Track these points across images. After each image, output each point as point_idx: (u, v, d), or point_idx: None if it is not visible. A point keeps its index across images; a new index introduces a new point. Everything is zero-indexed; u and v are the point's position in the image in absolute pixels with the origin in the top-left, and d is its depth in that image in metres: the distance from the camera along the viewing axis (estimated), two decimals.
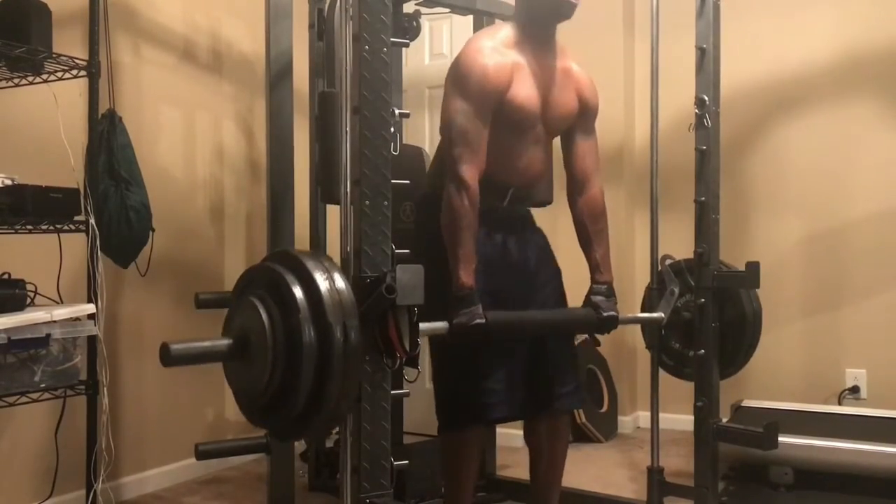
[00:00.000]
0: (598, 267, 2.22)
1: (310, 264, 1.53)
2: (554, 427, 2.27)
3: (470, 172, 1.99)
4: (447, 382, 2.14)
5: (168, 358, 1.51)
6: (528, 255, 2.25)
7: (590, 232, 2.23)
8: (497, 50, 2.06)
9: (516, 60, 2.08)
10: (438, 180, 2.14)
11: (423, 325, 1.80)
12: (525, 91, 2.08)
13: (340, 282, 1.52)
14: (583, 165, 2.24)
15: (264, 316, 1.52)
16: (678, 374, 2.67)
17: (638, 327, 3.83)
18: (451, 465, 2.23)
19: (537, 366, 2.20)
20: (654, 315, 2.50)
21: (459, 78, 2.03)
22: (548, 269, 2.30)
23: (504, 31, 2.12)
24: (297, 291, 1.51)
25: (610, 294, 2.20)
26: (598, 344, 2.27)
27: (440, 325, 1.93)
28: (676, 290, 2.52)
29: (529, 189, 2.25)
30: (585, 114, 2.24)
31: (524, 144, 2.14)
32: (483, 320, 1.94)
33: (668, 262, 2.60)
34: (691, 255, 2.55)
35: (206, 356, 1.58)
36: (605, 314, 2.15)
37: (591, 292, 2.20)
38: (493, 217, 2.14)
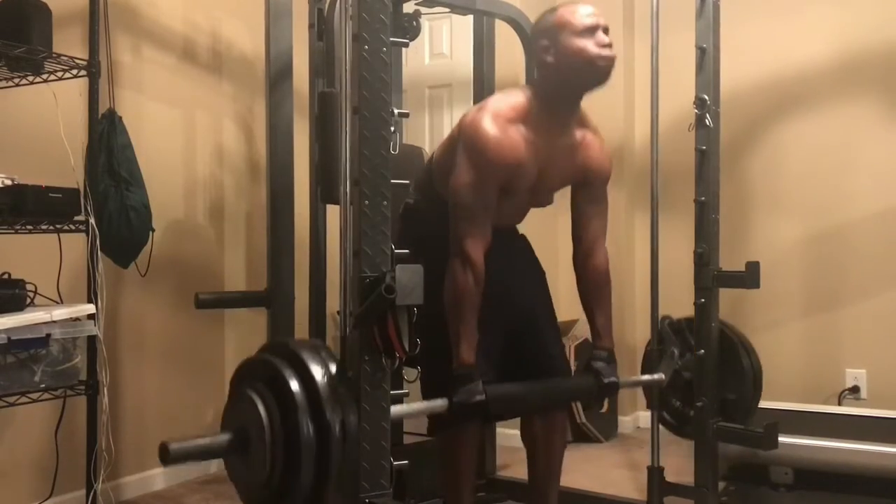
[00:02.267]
0: (599, 333, 2.22)
1: (307, 357, 1.55)
2: (549, 424, 2.27)
3: (475, 249, 1.98)
4: (437, 382, 2.13)
5: (167, 457, 1.52)
6: (515, 262, 2.27)
7: (592, 298, 2.23)
8: (513, 125, 2.01)
9: (528, 137, 2.03)
10: (422, 194, 2.16)
11: (421, 405, 1.86)
12: (526, 169, 2.05)
13: (341, 376, 1.54)
14: (588, 233, 2.22)
15: (262, 412, 1.54)
16: (679, 432, 2.66)
17: (637, 319, 3.87)
18: (449, 466, 2.23)
19: (529, 364, 2.20)
20: (655, 377, 2.52)
21: (473, 151, 1.99)
22: (534, 271, 2.33)
23: (522, 102, 2.06)
24: (295, 386, 1.52)
25: (611, 360, 2.20)
26: (602, 409, 2.28)
27: (440, 402, 1.94)
28: (677, 352, 2.54)
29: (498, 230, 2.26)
30: (590, 182, 2.20)
31: (504, 205, 2.12)
32: (483, 397, 1.94)
33: (667, 322, 2.61)
34: (691, 314, 2.57)
35: (206, 453, 1.60)
36: (606, 381, 2.15)
37: (592, 358, 2.20)
38: None
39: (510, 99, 2.08)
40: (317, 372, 1.52)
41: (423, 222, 2.18)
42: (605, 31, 2.05)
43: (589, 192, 2.21)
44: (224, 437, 1.59)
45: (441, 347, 1.98)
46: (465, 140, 2.02)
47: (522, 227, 2.42)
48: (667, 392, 2.63)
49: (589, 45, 2.01)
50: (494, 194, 2.02)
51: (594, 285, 2.23)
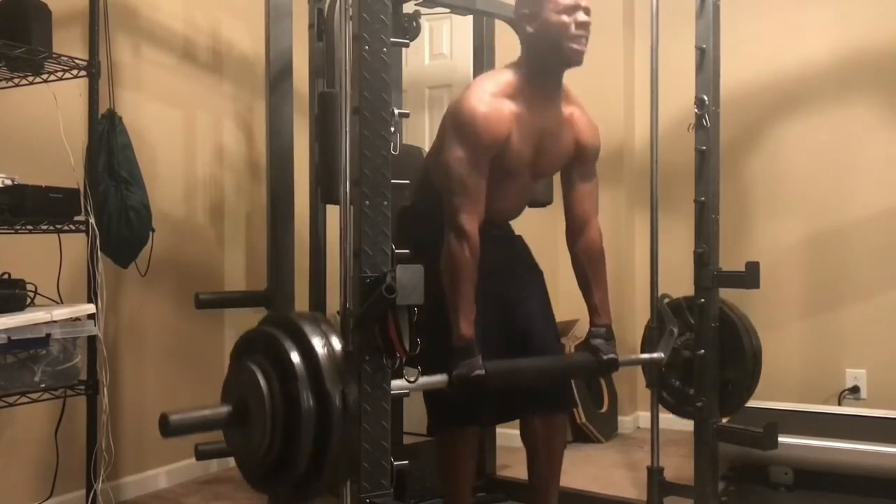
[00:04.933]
0: (596, 310, 2.23)
1: (307, 329, 1.54)
2: (550, 425, 2.27)
3: (470, 223, 1.99)
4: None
5: (167, 428, 1.52)
6: (513, 262, 2.28)
7: (588, 275, 2.24)
8: (498, 99, 2.04)
9: (515, 111, 2.06)
10: (419, 195, 2.16)
11: (421, 380, 1.84)
12: (519, 143, 2.07)
13: (339, 346, 1.53)
14: (581, 209, 2.24)
15: (262, 383, 1.53)
16: (678, 412, 2.66)
17: (634, 318, 3.87)
18: (447, 467, 2.24)
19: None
20: (655, 355, 2.52)
21: (460, 126, 2.02)
22: (531, 270, 2.34)
23: (506, 78, 2.10)
24: (295, 357, 1.52)
25: (609, 337, 2.20)
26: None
27: (440, 377, 1.93)
28: (676, 330, 2.53)
29: (504, 221, 2.27)
30: (583, 158, 2.22)
31: (506, 189, 2.14)
32: (482, 371, 1.95)
33: (666, 300, 2.61)
34: (690, 294, 2.57)
35: (206, 424, 1.59)
36: (605, 357, 2.16)
37: (590, 335, 2.21)
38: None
39: (495, 76, 2.13)
40: (317, 343, 1.52)
41: (421, 224, 2.18)
42: (587, 11, 2.08)
43: (580, 168, 2.23)
44: (224, 409, 1.59)
45: (440, 349, 1.98)
46: (452, 119, 2.05)
47: (522, 229, 2.42)
48: (666, 371, 2.62)
49: (567, 23, 2.04)
50: (486, 167, 2.03)
51: (589, 261, 2.23)
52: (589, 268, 2.23)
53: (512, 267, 2.27)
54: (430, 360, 1.90)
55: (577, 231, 2.24)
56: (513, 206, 2.25)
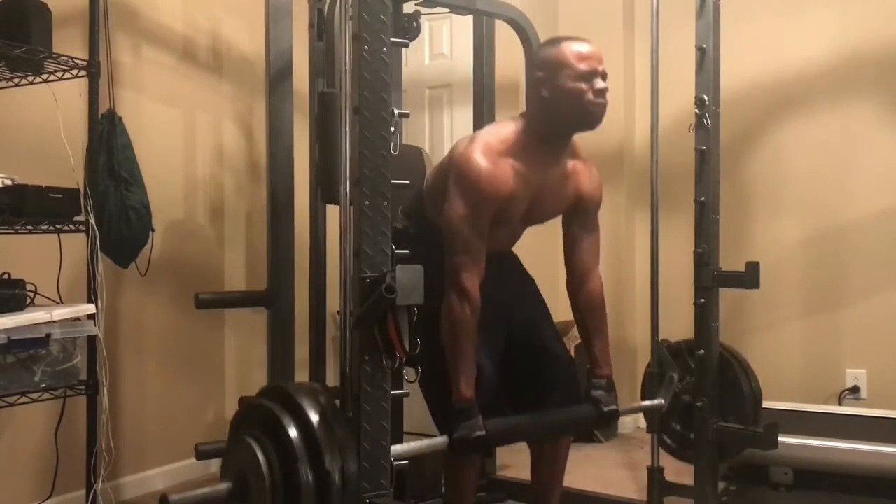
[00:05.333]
0: (597, 361, 2.22)
1: (306, 403, 1.55)
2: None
3: (472, 282, 1.98)
4: (442, 395, 2.09)
5: None
6: (508, 279, 2.28)
7: (588, 326, 2.23)
8: (504, 158, 2.01)
9: (519, 169, 2.03)
10: (412, 219, 2.19)
11: (422, 443, 1.86)
12: (517, 199, 2.06)
13: (339, 419, 1.55)
14: (581, 261, 2.22)
15: (262, 459, 1.54)
16: (680, 455, 2.67)
17: (636, 315, 3.87)
18: (452, 471, 2.25)
19: (539, 371, 2.20)
20: (655, 402, 2.52)
21: (465, 184, 1.99)
22: (525, 282, 2.34)
23: (513, 134, 2.06)
24: (293, 433, 1.53)
25: (610, 388, 2.19)
26: (601, 441, 2.27)
27: (440, 439, 1.93)
28: (676, 377, 2.54)
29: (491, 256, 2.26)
30: (583, 209, 2.20)
31: (496, 234, 2.11)
32: (483, 432, 1.94)
33: (665, 346, 2.62)
34: (690, 337, 2.58)
35: (207, 503, 1.59)
36: (606, 409, 2.15)
37: (591, 387, 2.19)
38: None
39: (501, 131, 2.08)
40: (315, 418, 1.53)
41: (413, 247, 2.17)
42: (604, 76, 2.04)
43: (581, 219, 2.21)
44: (224, 486, 1.60)
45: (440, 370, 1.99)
46: (457, 173, 2.02)
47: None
48: (666, 416, 2.63)
49: (586, 90, 2.01)
50: (487, 225, 2.02)
51: (590, 312, 2.22)
52: (590, 319, 2.23)
53: (505, 276, 2.26)
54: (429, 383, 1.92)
55: (577, 282, 2.23)
56: (501, 248, 2.25)
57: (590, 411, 2.16)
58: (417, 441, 1.88)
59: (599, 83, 2.02)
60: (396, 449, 1.67)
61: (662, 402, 2.51)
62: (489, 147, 2.02)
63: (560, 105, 2.03)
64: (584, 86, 2.01)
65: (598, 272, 2.24)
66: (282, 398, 1.60)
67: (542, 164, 2.09)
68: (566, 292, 2.27)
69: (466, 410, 1.95)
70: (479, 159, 1.99)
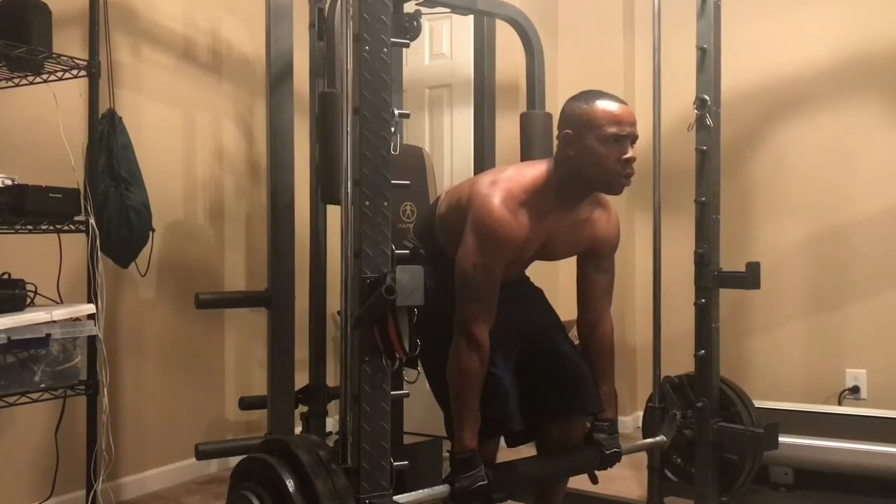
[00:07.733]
0: (601, 405, 2.21)
1: (305, 459, 1.56)
2: (570, 431, 2.23)
3: (482, 331, 1.96)
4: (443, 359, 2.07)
5: None
6: (516, 293, 2.25)
7: (596, 369, 2.21)
8: (524, 208, 1.97)
9: (535, 215, 2.00)
10: (422, 242, 2.17)
11: (423, 492, 1.86)
12: (531, 242, 2.03)
13: (338, 474, 1.56)
14: (593, 303, 2.20)
15: None
16: (680, 491, 2.67)
17: (636, 315, 3.88)
18: None
19: (551, 371, 2.19)
20: (657, 440, 2.52)
21: (482, 230, 1.95)
22: (535, 295, 2.32)
23: (534, 178, 2.00)
24: (291, 486, 1.54)
25: (612, 431, 2.19)
26: (595, 481, 2.27)
27: (441, 488, 1.93)
28: (678, 414, 2.55)
29: None
30: (598, 252, 2.16)
31: (507, 269, 2.07)
32: (485, 482, 1.93)
33: (667, 383, 2.62)
34: (691, 369, 2.60)
35: None
36: (608, 452, 2.16)
37: (593, 429, 2.18)
38: None
39: (526, 176, 2.01)
40: (315, 474, 1.54)
41: (428, 268, 2.15)
42: (633, 141, 1.97)
43: (596, 262, 2.17)
44: None
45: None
46: (476, 219, 1.96)
47: None
48: (668, 450, 2.64)
49: (612, 156, 1.93)
50: (500, 273, 1.99)
51: (599, 357, 2.21)
52: (598, 363, 2.21)
53: (514, 289, 2.26)
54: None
55: (589, 324, 2.21)
56: (508, 279, 2.20)
57: (592, 454, 2.16)
58: (417, 492, 1.87)
59: (628, 150, 1.94)
60: (397, 500, 1.68)
61: (664, 438, 2.52)
62: (511, 196, 1.96)
63: (584, 167, 1.96)
64: (612, 151, 1.93)
65: (609, 316, 2.22)
66: (281, 453, 1.62)
67: (561, 210, 2.05)
68: (569, 284, 2.27)
69: (468, 460, 1.94)
70: (501, 210, 1.94)
